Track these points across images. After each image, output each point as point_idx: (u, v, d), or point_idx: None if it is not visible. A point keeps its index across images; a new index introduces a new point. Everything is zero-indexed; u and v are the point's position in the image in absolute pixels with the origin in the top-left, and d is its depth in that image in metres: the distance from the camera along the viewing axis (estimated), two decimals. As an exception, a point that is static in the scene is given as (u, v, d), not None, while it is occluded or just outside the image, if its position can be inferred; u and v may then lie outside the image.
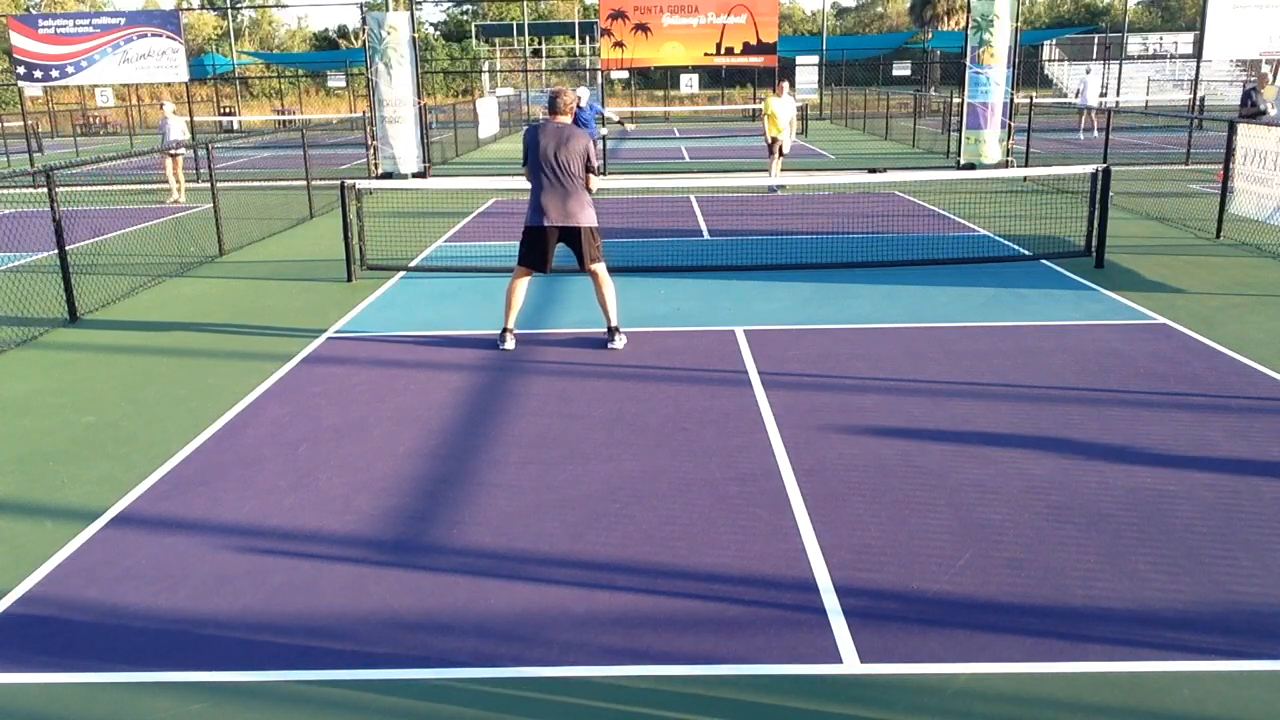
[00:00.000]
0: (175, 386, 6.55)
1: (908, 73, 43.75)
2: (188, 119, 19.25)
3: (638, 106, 44.95)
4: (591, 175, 6.95)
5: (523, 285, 7.24)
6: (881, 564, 3.99)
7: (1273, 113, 14.91)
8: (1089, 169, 10.07)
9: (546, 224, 6.94)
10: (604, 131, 16.36)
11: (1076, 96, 26.78)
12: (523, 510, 4.56)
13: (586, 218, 6.95)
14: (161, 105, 17.71)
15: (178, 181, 16.65)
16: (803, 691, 3.20)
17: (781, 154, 15.26)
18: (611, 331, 7.17)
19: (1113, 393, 5.99)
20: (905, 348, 7.01)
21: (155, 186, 18.82)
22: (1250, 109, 15.26)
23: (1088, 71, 29.21)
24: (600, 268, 7.09)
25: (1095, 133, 25.64)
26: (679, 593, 3.81)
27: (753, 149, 24.06)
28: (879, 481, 4.78)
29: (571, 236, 6.96)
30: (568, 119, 6.97)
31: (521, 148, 7.14)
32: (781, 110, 15.10)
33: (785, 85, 15.37)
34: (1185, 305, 8.10)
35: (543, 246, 7.03)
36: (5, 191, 15.07)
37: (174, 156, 16.49)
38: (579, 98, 14.21)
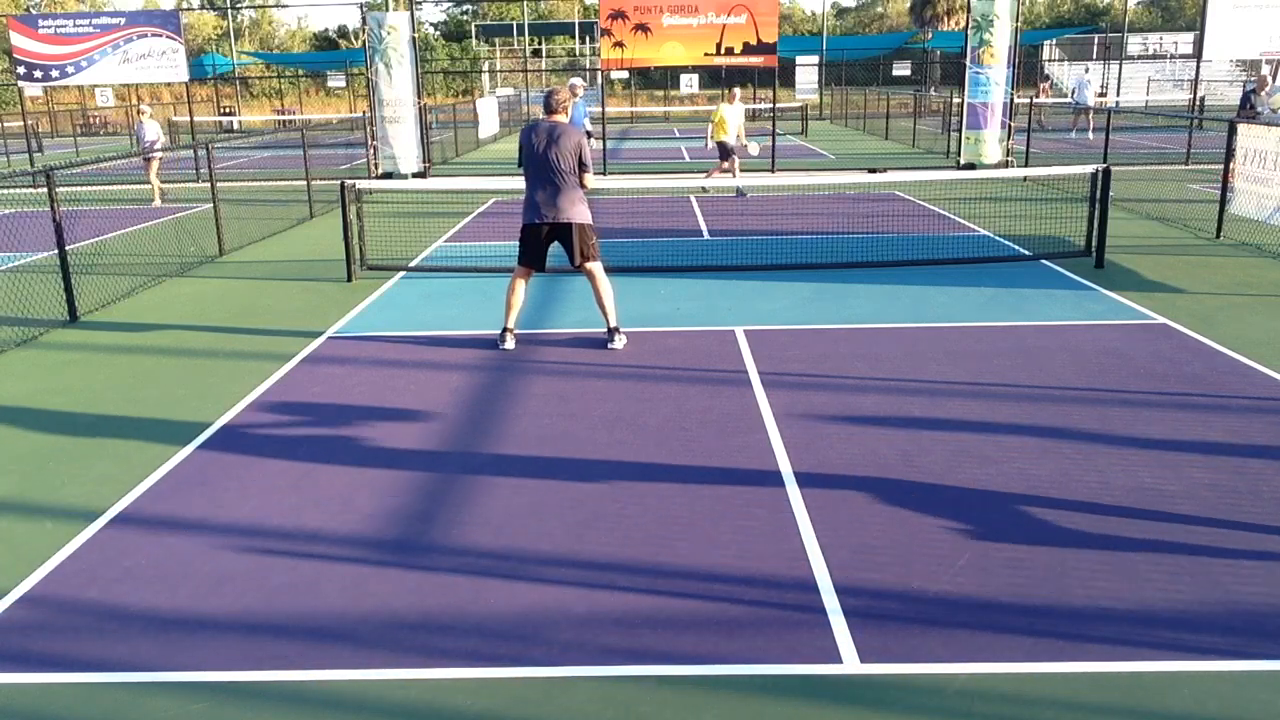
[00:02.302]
0: (175, 386, 6.55)
1: (908, 73, 43.71)
2: (162, 121, 18.76)
3: (638, 106, 44.97)
4: (586, 173, 6.93)
5: (522, 285, 7.24)
6: (881, 564, 3.99)
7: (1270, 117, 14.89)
8: (1089, 169, 10.07)
9: (538, 221, 6.96)
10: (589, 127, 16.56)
11: (1073, 95, 26.72)
12: (523, 510, 4.56)
13: (578, 214, 6.94)
14: (140, 110, 17.14)
15: (156, 184, 16.28)
16: (803, 691, 3.20)
17: (735, 155, 15.48)
18: (611, 332, 7.17)
19: (1113, 393, 5.99)
20: (905, 348, 7.00)
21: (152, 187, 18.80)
22: (1249, 111, 15.24)
23: (1086, 71, 29.17)
24: (596, 267, 7.08)
25: (1089, 134, 25.60)
26: (679, 593, 3.81)
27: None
28: (879, 481, 4.78)
29: (563, 233, 6.97)
30: (563, 118, 6.99)
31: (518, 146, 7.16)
32: (731, 116, 15.39)
33: (737, 93, 15.80)
34: (1185, 305, 8.10)
35: (536, 244, 7.05)
36: (5, 191, 15.06)
37: (149, 160, 16.10)
38: (574, 87, 14.25)
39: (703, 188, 15.61)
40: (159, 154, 15.99)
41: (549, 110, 7.00)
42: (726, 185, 14.47)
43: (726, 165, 15.43)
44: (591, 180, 6.98)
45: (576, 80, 17.12)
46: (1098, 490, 4.63)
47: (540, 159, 6.85)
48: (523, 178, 7.10)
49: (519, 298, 7.23)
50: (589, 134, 16.18)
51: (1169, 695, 3.14)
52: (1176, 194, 14.63)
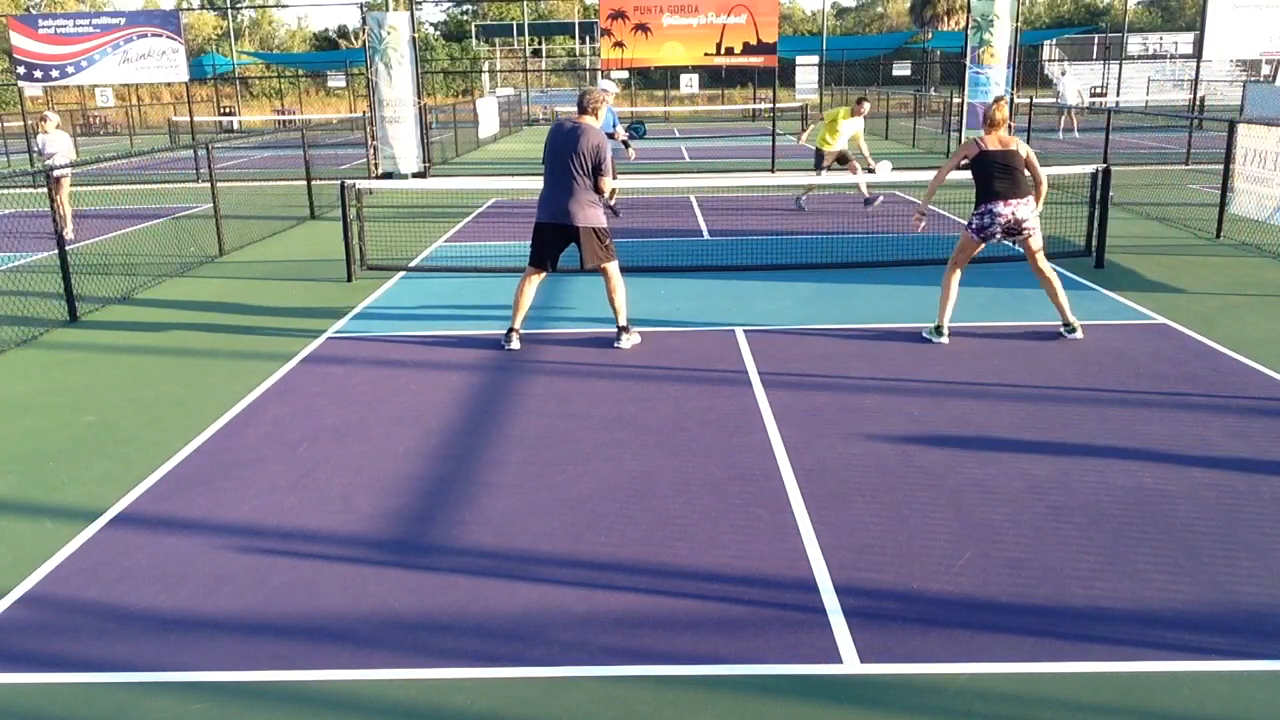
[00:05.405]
0: (175, 386, 6.55)
1: (908, 73, 43.68)
2: (71, 135, 13.86)
3: (638, 107, 44.97)
4: (603, 178, 6.80)
5: (532, 285, 7.21)
6: (881, 564, 3.99)
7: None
8: (1089, 169, 10.07)
9: (546, 220, 6.96)
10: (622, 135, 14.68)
11: (1058, 97, 26.79)
12: (523, 510, 4.55)
13: (585, 218, 6.90)
14: (44, 118, 13.19)
15: (63, 211, 11.77)
16: (803, 691, 3.20)
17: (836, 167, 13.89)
18: (620, 331, 7.17)
19: (1113, 393, 5.99)
20: (905, 348, 7.00)
21: (157, 187, 18.78)
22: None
23: (1062, 74, 29.24)
24: (611, 267, 7.06)
25: (1075, 133, 25.61)
26: (679, 593, 3.81)
27: (753, 149, 24.06)
28: (879, 481, 4.78)
29: (572, 236, 6.96)
30: (592, 120, 6.89)
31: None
32: (847, 128, 13.74)
33: (865, 107, 13.92)
34: (1185, 305, 8.10)
35: (543, 243, 7.04)
36: (5, 191, 15.06)
37: (58, 180, 11.74)
38: (604, 92, 12.38)
39: (804, 195, 14.28)
40: (68, 172, 12.64)
41: (581, 109, 6.94)
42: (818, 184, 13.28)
43: (818, 175, 13.78)
44: (609, 185, 6.86)
45: (607, 84, 16.74)
46: (1098, 490, 4.63)
47: (557, 158, 6.82)
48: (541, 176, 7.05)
49: (528, 299, 7.19)
50: (622, 139, 14.31)
51: (1169, 695, 3.14)
52: (1176, 194, 14.62)
